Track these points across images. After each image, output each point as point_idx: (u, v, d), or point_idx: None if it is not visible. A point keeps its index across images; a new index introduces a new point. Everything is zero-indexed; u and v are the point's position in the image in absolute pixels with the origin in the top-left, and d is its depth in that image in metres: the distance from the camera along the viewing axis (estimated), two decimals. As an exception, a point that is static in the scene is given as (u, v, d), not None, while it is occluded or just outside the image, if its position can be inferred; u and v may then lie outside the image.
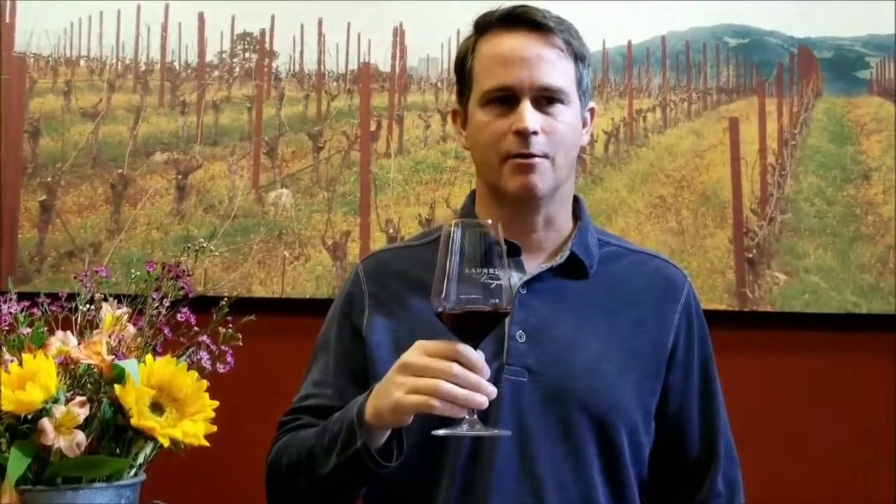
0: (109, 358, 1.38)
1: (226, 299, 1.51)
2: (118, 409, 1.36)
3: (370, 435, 1.46)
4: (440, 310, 1.37)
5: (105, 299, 1.48)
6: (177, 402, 1.38)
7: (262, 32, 2.87)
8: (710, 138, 2.73)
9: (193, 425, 1.37)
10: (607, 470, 1.61)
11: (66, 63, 2.89)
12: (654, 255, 1.80)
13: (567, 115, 1.63)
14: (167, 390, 1.37)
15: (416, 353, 1.41)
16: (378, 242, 2.72)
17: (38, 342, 1.41)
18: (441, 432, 1.39)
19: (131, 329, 1.46)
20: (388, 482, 1.54)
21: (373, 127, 2.82)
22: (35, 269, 2.79)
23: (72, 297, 1.49)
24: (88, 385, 1.39)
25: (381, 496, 1.63)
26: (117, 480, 1.36)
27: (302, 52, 2.86)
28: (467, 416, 1.37)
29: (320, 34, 2.84)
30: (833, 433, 2.55)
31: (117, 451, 1.37)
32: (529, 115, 1.58)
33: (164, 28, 2.87)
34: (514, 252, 1.61)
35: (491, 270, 1.36)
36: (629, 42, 2.76)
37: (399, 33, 2.81)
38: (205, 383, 1.40)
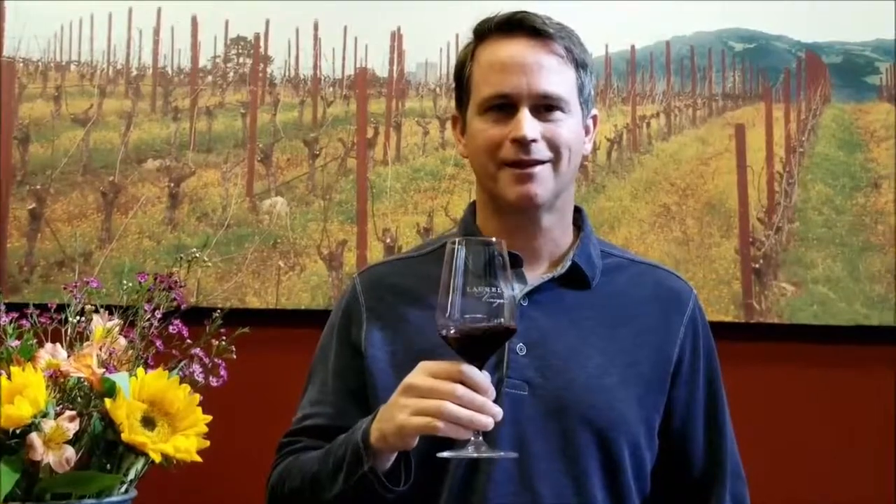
0: (100, 371, 1.39)
1: (219, 311, 1.52)
2: (109, 423, 1.36)
3: (376, 458, 1.47)
4: (444, 330, 1.38)
5: (96, 311, 1.49)
6: (169, 417, 1.38)
7: (257, 36, 2.88)
8: (716, 145, 2.74)
9: (186, 440, 1.37)
10: (609, 486, 1.61)
11: (55, 68, 2.89)
12: (658, 266, 1.80)
13: (567, 123, 1.63)
14: (159, 404, 1.38)
15: (420, 374, 1.41)
16: (375, 252, 2.73)
17: (26, 355, 1.41)
18: (446, 454, 1.40)
19: (122, 341, 1.47)
20: (385, 497, 1.55)
21: (370, 133, 2.82)
22: (24, 279, 2.80)
23: (61, 308, 1.49)
24: (78, 399, 1.39)
25: None
26: (108, 497, 1.36)
27: (297, 57, 2.86)
28: (472, 438, 1.38)
29: (316, 38, 2.85)
30: (842, 449, 2.56)
31: (108, 466, 1.37)
32: (528, 123, 1.59)
33: (157, 32, 2.88)
34: (515, 263, 1.61)
35: (495, 289, 1.37)
36: (632, 47, 2.77)
37: (397, 37, 2.82)
38: (197, 397, 1.40)
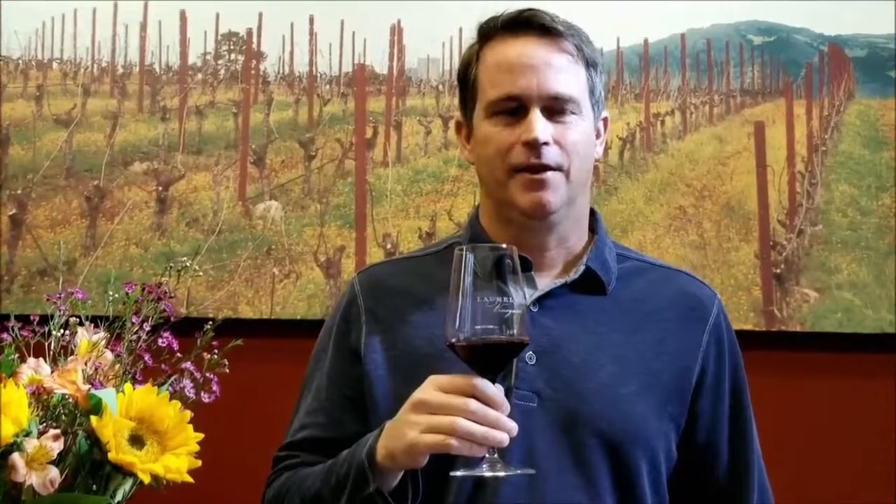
0: (85, 387, 1.38)
1: (210, 323, 1.51)
2: (95, 442, 1.35)
3: (383, 477, 1.46)
4: (454, 341, 1.37)
5: (80, 323, 1.48)
6: (158, 435, 1.38)
7: (249, 32, 2.87)
8: (734, 144, 2.74)
9: (176, 460, 1.36)
10: (623, 501, 1.60)
11: (37, 66, 2.89)
12: (679, 270, 1.80)
13: (579, 125, 1.62)
14: (148, 422, 1.37)
15: (430, 388, 1.40)
16: (375, 258, 2.72)
17: (7, 370, 1.41)
18: (459, 473, 1.40)
19: (109, 355, 1.46)
20: None
21: (369, 133, 2.82)
22: (4, 289, 2.79)
23: (44, 320, 1.49)
24: (63, 417, 1.39)
25: None
26: (94, 520, 1.36)
27: (292, 53, 2.86)
28: (486, 455, 1.37)
29: (312, 33, 2.85)
30: (871, 463, 2.55)
31: (94, 487, 1.37)
32: (540, 125, 1.58)
33: (143, 28, 2.88)
34: (524, 267, 1.60)
35: (506, 298, 1.36)
36: (646, 40, 2.77)
37: (397, 32, 2.82)
38: (188, 414, 1.40)
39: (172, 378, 1.46)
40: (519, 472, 1.45)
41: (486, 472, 1.37)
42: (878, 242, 2.64)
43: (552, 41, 1.63)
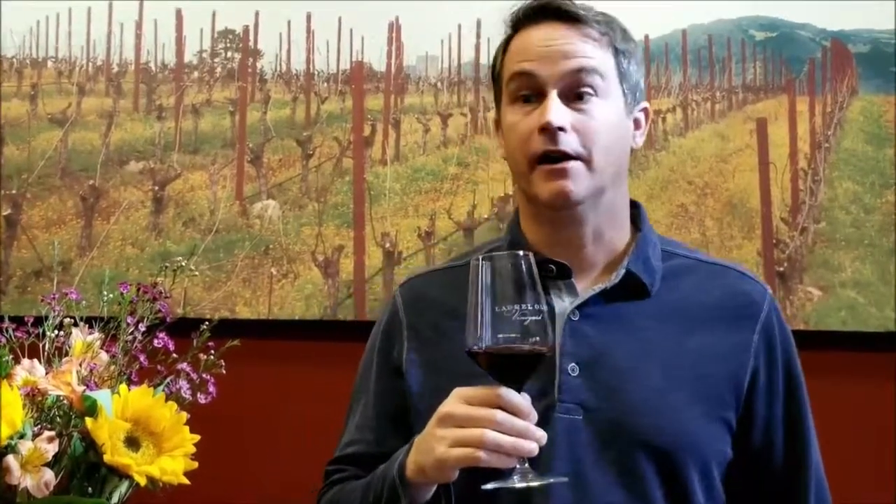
0: (80, 388, 1.38)
1: (207, 323, 1.51)
2: (90, 444, 1.35)
3: (415, 492, 1.45)
4: (475, 351, 1.37)
5: (75, 324, 1.48)
6: (154, 437, 1.38)
7: (246, 29, 2.87)
8: (736, 141, 2.73)
9: (172, 462, 1.36)
10: None
11: (32, 65, 2.90)
12: (728, 266, 1.73)
13: (603, 111, 1.57)
14: (143, 423, 1.37)
15: (456, 401, 1.39)
16: (373, 258, 2.72)
17: (1, 371, 1.41)
18: (490, 486, 1.37)
19: (104, 356, 1.46)
20: None
21: (367, 131, 2.82)
22: (-1, 289, 2.80)
23: (39, 321, 1.48)
24: (57, 418, 1.39)
25: None
26: (89, 522, 1.36)
27: (289, 51, 2.86)
28: (518, 466, 1.36)
29: (309, 31, 2.84)
30: (873, 460, 2.55)
31: (89, 490, 1.37)
32: (555, 108, 1.54)
33: (139, 26, 2.88)
34: (563, 273, 1.58)
35: (526, 306, 1.35)
36: (646, 36, 2.76)
37: (395, 29, 2.82)
38: (184, 415, 1.40)
39: (168, 379, 1.46)
40: (552, 480, 1.42)
41: (517, 482, 1.36)
42: (882, 240, 2.64)
43: (573, 25, 1.59)
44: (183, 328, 1.52)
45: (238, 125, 2.85)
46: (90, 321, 1.50)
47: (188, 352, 1.49)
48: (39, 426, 1.36)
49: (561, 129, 1.54)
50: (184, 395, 1.45)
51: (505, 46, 1.66)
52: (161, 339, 1.48)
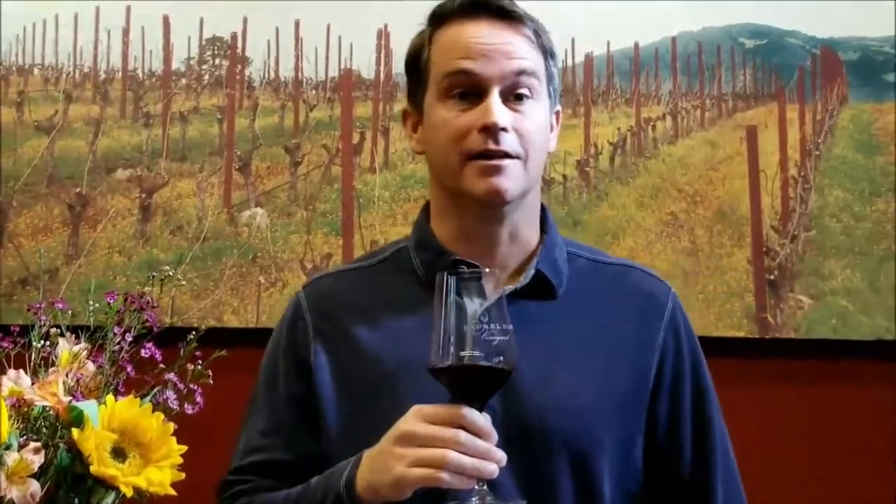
0: (66, 399, 1.38)
1: (194, 333, 1.51)
2: (76, 455, 1.35)
3: None
4: (439, 369, 1.35)
5: (61, 334, 1.48)
6: (141, 448, 1.37)
7: (234, 36, 2.88)
8: (726, 149, 2.75)
9: (159, 473, 1.36)
10: None
11: (18, 72, 2.89)
12: (632, 265, 1.75)
13: (537, 113, 1.59)
14: (130, 434, 1.37)
15: (416, 420, 1.38)
16: (362, 266, 2.72)
17: (-13, 382, 1.41)
18: None
19: (90, 367, 1.45)
20: None
21: (356, 139, 2.82)
22: (-15, 298, 2.79)
23: (25, 330, 1.48)
24: (43, 429, 1.38)
25: None
26: (76, 534, 1.36)
27: (277, 58, 2.86)
28: (476, 487, 1.35)
29: (297, 38, 2.85)
30: (864, 470, 2.55)
31: (76, 501, 1.36)
32: (498, 109, 1.54)
33: (126, 32, 2.88)
34: (473, 275, 1.59)
35: (493, 325, 1.35)
36: (636, 44, 2.77)
37: (384, 36, 2.82)
38: (171, 426, 1.40)
39: (155, 389, 1.46)
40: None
41: None
42: (873, 248, 2.65)
43: (510, 24, 1.59)
44: (170, 337, 1.51)
45: (226, 132, 2.85)
46: (77, 331, 1.49)
47: (175, 362, 1.48)
48: (25, 437, 1.36)
49: (504, 129, 1.54)
50: (171, 405, 1.44)
51: (430, 37, 1.63)
52: (148, 349, 1.48)
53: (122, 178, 2.84)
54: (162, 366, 1.47)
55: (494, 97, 1.55)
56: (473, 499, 1.35)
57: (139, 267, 2.76)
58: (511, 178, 1.55)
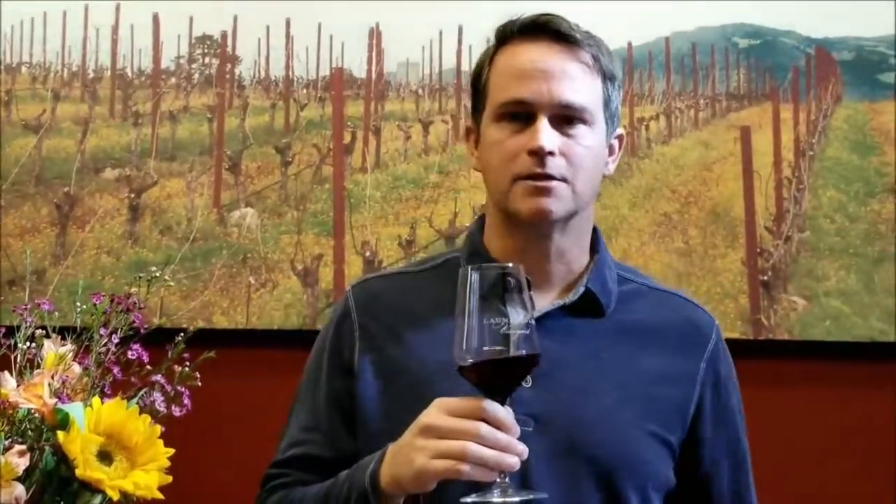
0: (52, 401, 1.37)
1: (182, 335, 1.50)
2: (62, 458, 1.34)
3: (385, 501, 1.45)
4: (461, 363, 1.37)
5: (47, 335, 1.47)
6: (127, 451, 1.37)
7: (224, 35, 2.87)
8: (720, 149, 2.74)
9: (146, 476, 1.36)
10: None
11: (5, 70, 2.88)
12: (678, 294, 1.79)
13: (589, 138, 1.60)
14: (116, 437, 1.36)
15: (438, 412, 1.39)
16: (353, 266, 2.72)
17: (-29, 384, 1.40)
18: (470, 499, 1.37)
19: (76, 369, 1.45)
20: None
21: (347, 139, 2.81)
22: (-29, 299, 2.78)
23: (11, 332, 1.47)
24: (29, 432, 1.38)
25: None
26: (61, 538, 1.35)
27: (268, 57, 2.86)
28: (498, 480, 1.36)
29: (288, 36, 2.84)
30: (860, 473, 2.55)
31: (61, 504, 1.36)
32: (545, 134, 1.56)
33: (115, 30, 2.87)
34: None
35: (515, 318, 1.36)
36: (629, 44, 2.77)
37: (375, 35, 2.82)
38: (158, 429, 1.39)
39: (142, 392, 1.45)
40: (532, 496, 1.42)
41: (497, 497, 1.36)
42: (867, 249, 2.65)
43: (568, 49, 1.61)
44: (159, 337, 1.51)
45: (216, 132, 2.85)
46: (63, 332, 1.49)
47: (163, 363, 1.48)
48: (10, 440, 1.36)
49: (551, 153, 1.56)
50: (158, 407, 1.44)
51: (491, 57, 1.66)
52: (135, 351, 1.47)
53: (110, 178, 2.83)
54: (149, 367, 1.47)
55: (543, 122, 1.57)
56: (495, 491, 1.36)
57: (128, 267, 2.76)
58: (557, 200, 1.58)
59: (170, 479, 1.38)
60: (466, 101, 2.74)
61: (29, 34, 2.87)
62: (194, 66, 2.88)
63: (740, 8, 2.74)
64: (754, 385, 2.40)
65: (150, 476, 1.36)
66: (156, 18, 2.86)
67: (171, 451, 1.38)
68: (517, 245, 1.63)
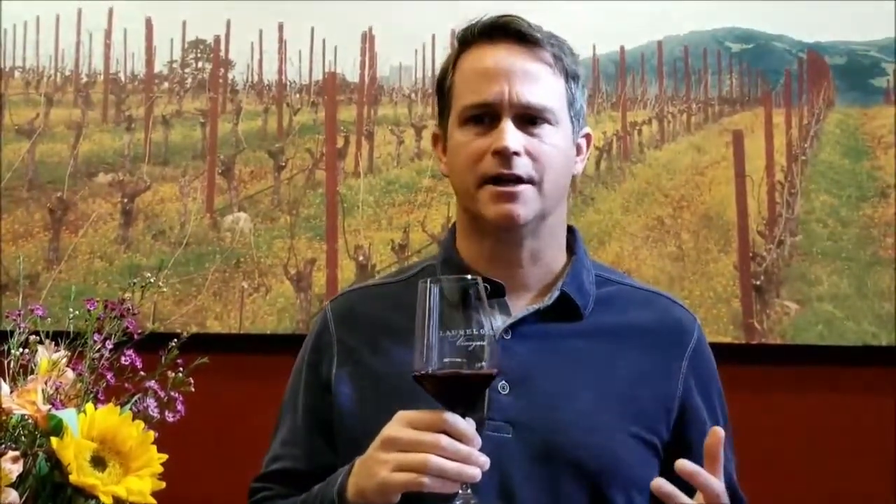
0: (45, 407, 1.37)
1: (175, 341, 1.50)
2: (55, 464, 1.34)
3: None
4: (421, 375, 1.37)
5: (40, 341, 1.47)
6: (121, 456, 1.36)
7: (217, 39, 2.87)
8: (712, 153, 2.75)
9: (139, 482, 1.35)
10: None
11: (-2, 74, 2.88)
12: (659, 293, 1.78)
13: (554, 137, 1.61)
14: (110, 443, 1.36)
15: (399, 425, 1.40)
16: (346, 271, 2.72)
17: (-35, 390, 1.40)
18: None
19: (70, 374, 1.45)
20: None
21: (340, 143, 2.82)
22: (-36, 304, 2.78)
23: (4, 337, 1.47)
24: (22, 438, 1.37)
25: None
26: (55, 544, 1.35)
27: (261, 61, 2.86)
28: (460, 491, 1.37)
29: (281, 41, 2.84)
30: (852, 478, 2.56)
31: (54, 511, 1.36)
32: (510, 134, 1.57)
33: (108, 35, 2.87)
34: (497, 292, 1.60)
35: (473, 331, 1.36)
36: (622, 48, 2.78)
37: (368, 39, 2.82)
38: (152, 434, 1.39)
39: (136, 397, 1.45)
40: None
41: None
42: (859, 253, 2.65)
43: (529, 49, 1.62)
44: (152, 343, 1.50)
45: (209, 136, 2.85)
46: (56, 337, 1.49)
47: (156, 369, 1.48)
48: (4, 446, 1.35)
49: (516, 153, 1.57)
50: (151, 413, 1.44)
51: (454, 61, 1.67)
52: (128, 357, 1.47)
53: (103, 183, 2.83)
54: (142, 373, 1.47)
55: (507, 123, 1.58)
56: (457, 502, 1.36)
57: (121, 272, 2.75)
58: (523, 204, 1.59)
59: (163, 484, 1.37)
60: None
61: (22, 38, 2.87)
62: (187, 70, 2.88)
63: (733, 12, 2.74)
64: (747, 389, 2.41)
65: (143, 482, 1.35)
66: (149, 23, 2.86)
67: (165, 456, 1.38)
68: (489, 250, 1.64)
